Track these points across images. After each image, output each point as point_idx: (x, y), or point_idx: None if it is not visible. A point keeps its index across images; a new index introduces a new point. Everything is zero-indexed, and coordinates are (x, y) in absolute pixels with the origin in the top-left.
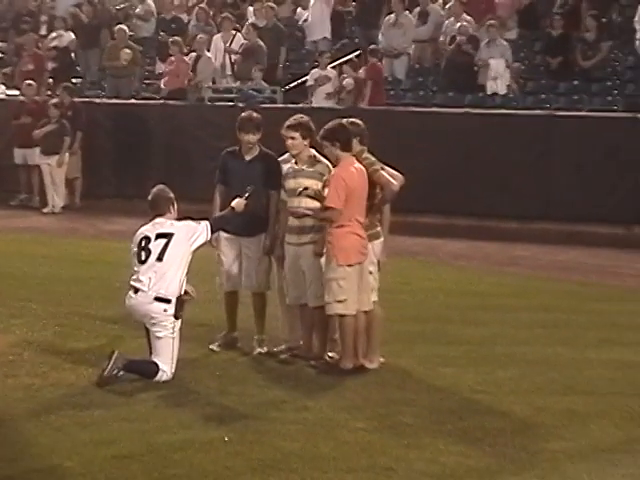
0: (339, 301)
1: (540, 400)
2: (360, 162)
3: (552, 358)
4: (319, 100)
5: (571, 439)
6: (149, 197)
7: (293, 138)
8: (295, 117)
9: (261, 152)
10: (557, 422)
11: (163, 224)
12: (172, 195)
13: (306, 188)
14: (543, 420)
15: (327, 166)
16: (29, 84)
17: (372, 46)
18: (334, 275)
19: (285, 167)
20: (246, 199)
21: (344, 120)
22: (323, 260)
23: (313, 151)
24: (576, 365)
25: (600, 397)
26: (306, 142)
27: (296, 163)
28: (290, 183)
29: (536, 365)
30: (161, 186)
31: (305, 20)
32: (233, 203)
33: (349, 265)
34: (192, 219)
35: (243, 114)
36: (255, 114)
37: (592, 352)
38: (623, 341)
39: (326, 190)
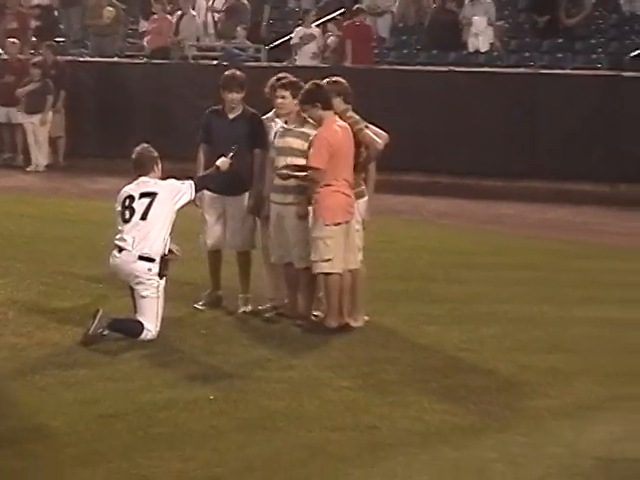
0: (325, 260)
1: (524, 358)
2: (344, 120)
3: (536, 316)
4: (303, 59)
5: (555, 397)
6: (133, 156)
7: (283, 97)
8: (282, 75)
9: (245, 111)
10: (541, 380)
11: (147, 183)
12: (156, 154)
13: (287, 166)
14: (527, 378)
15: (314, 126)
16: (12, 42)
17: (356, 5)
18: (320, 234)
19: (275, 126)
20: (231, 158)
21: (320, 80)
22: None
23: None
24: (560, 323)
25: (584, 355)
26: (296, 101)
27: (286, 122)
28: (279, 142)
29: (520, 323)
30: (145, 145)
31: None
32: (218, 162)
33: (336, 224)
34: (176, 178)
35: (226, 72)
36: (239, 72)
37: (577, 310)
38: (608, 299)
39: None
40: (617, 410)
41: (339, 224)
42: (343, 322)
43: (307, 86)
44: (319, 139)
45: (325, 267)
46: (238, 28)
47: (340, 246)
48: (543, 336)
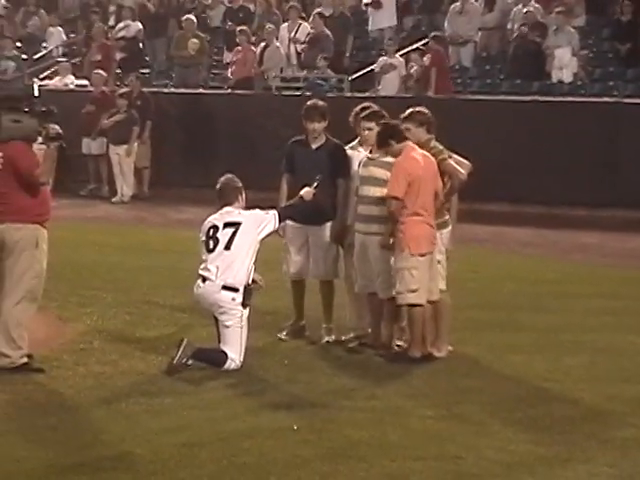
0: (411, 290)
1: (610, 388)
2: (427, 151)
3: (622, 346)
4: (386, 89)
5: None
6: (217, 186)
7: (370, 129)
8: (366, 105)
9: (327, 140)
10: (627, 409)
11: (231, 213)
12: (240, 184)
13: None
14: (613, 408)
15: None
16: (97, 73)
17: (436, 33)
18: (406, 264)
19: (359, 155)
20: (315, 188)
21: (388, 119)
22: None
23: None
24: None
25: None
26: None
27: (370, 152)
28: (363, 171)
29: (605, 353)
30: (229, 175)
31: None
32: (302, 192)
33: (421, 254)
34: (260, 208)
35: (308, 103)
36: (321, 102)
37: None
38: None
39: None
40: None
41: (424, 255)
42: (426, 352)
43: (378, 130)
44: (397, 168)
45: (411, 298)
46: (319, 58)
47: (425, 276)
48: (629, 366)
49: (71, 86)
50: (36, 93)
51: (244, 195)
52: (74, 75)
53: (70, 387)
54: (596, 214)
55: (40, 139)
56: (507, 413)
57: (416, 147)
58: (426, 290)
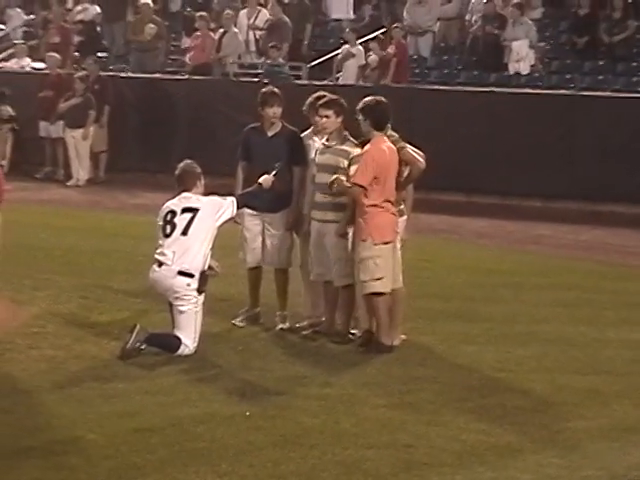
0: (377, 279)
1: (561, 379)
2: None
3: (573, 337)
4: (345, 77)
5: (592, 418)
6: (176, 172)
7: (327, 117)
8: (322, 94)
9: (283, 127)
10: (578, 401)
11: (189, 199)
12: (199, 170)
13: (333, 182)
14: (564, 399)
15: (354, 144)
16: (51, 56)
17: (396, 24)
18: (370, 253)
19: (314, 143)
20: (274, 176)
21: (383, 99)
22: (349, 238)
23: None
24: (597, 344)
25: (621, 377)
26: (339, 120)
27: (327, 140)
28: (320, 159)
29: (557, 344)
30: (188, 161)
31: None
32: (260, 179)
33: (385, 243)
34: (217, 194)
35: (264, 89)
36: (276, 89)
37: (613, 332)
38: None
39: (352, 167)
40: None
41: (388, 243)
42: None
43: (369, 99)
44: (366, 158)
45: (377, 286)
46: (272, 50)
47: (389, 264)
48: (580, 357)
49: (27, 68)
50: None
51: (203, 181)
52: (30, 58)
53: (23, 370)
54: (551, 206)
55: None
56: (459, 403)
57: (386, 139)
58: (391, 278)
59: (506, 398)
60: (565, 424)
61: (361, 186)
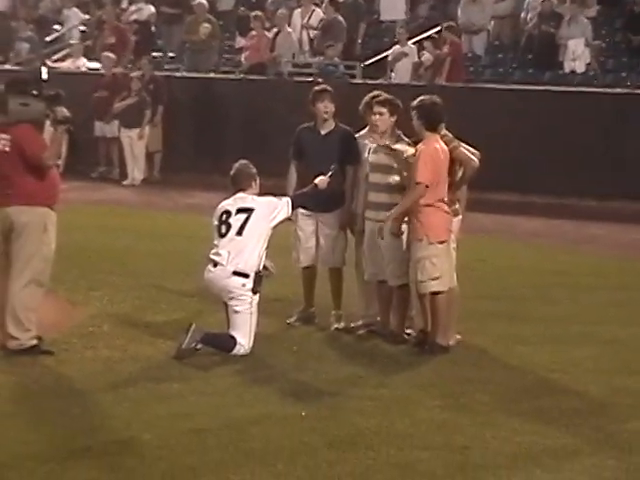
0: (434, 278)
1: (617, 380)
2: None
3: (630, 338)
4: (398, 77)
5: None
6: (232, 172)
7: (381, 114)
8: (377, 93)
9: (337, 126)
10: (635, 402)
11: (244, 199)
12: (254, 171)
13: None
14: (620, 400)
15: (408, 144)
16: (107, 56)
17: (450, 22)
18: (426, 253)
19: (369, 143)
20: (330, 177)
21: (438, 99)
22: (403, 238)
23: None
24: None
25: None
26: (393, 119)
27: (380, 139)
28: (373, 158)
29: (613, 345)
30: (244, 161)
31: None
32: (316, 180)
33: (440, 242)
34: (272, 195)
35: (317, 86)
36: (328, 86)
37: None
38: None
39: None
40: None
41: (443, 242)
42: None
43: (425, 98)
44: (424, 157)
45: (434, 285)
46: (327, 49)
47: (445, 264)
48: (637, 358)
49: (83, 69)
50: (44, 76)
51: (258, 181)
52: (86, 57)
53: (78, 371)
54: (605, 205)
55: (48, 122)
56: (513, 404)
57: (439, 139)
58: (448, 277)
59: (561, 400)
60: (621, 426)
61: (423, 184)
